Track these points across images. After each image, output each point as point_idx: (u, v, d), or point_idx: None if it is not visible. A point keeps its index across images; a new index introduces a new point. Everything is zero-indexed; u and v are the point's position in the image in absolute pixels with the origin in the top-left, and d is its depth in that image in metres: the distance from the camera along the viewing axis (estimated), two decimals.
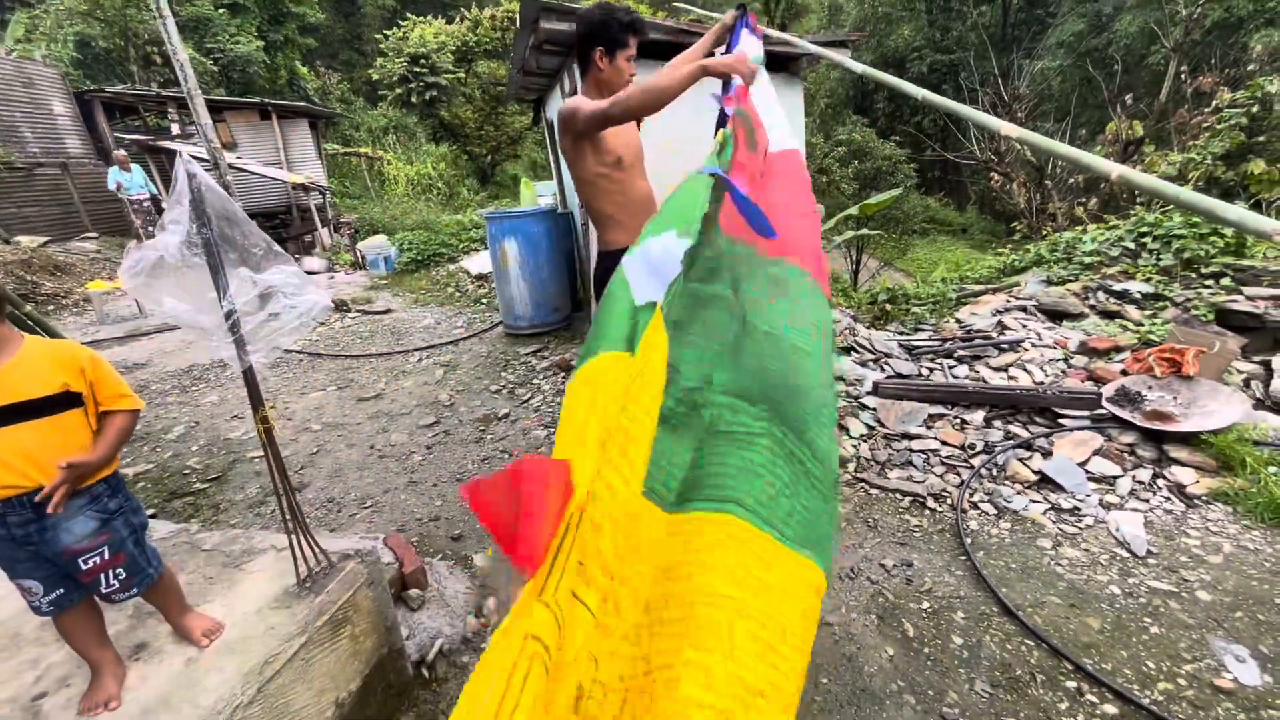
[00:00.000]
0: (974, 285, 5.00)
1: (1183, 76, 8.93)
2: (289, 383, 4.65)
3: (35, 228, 9.82)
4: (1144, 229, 4.43)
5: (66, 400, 1.20)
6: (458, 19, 19.43)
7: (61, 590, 1.26)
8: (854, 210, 8.33)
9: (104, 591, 1.28)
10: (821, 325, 1.07)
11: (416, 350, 5.16)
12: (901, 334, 4.20)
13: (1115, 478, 2.50)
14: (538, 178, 15.95)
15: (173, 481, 3.24)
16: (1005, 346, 3.57)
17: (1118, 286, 4.06)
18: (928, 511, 2.44)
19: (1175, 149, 7.30)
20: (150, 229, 9.37)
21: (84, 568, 1.23)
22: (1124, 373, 3.07)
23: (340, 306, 6.66)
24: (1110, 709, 1.58)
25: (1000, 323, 3.92)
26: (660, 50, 4.15)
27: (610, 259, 2.40)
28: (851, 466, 2.74)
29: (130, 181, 9.27)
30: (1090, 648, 1.77)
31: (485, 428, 3.60)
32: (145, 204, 9.44)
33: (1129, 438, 2.68)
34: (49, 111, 11.03)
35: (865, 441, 2.88)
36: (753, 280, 1.08)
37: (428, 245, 8.98)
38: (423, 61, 17.98)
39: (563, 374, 4.24)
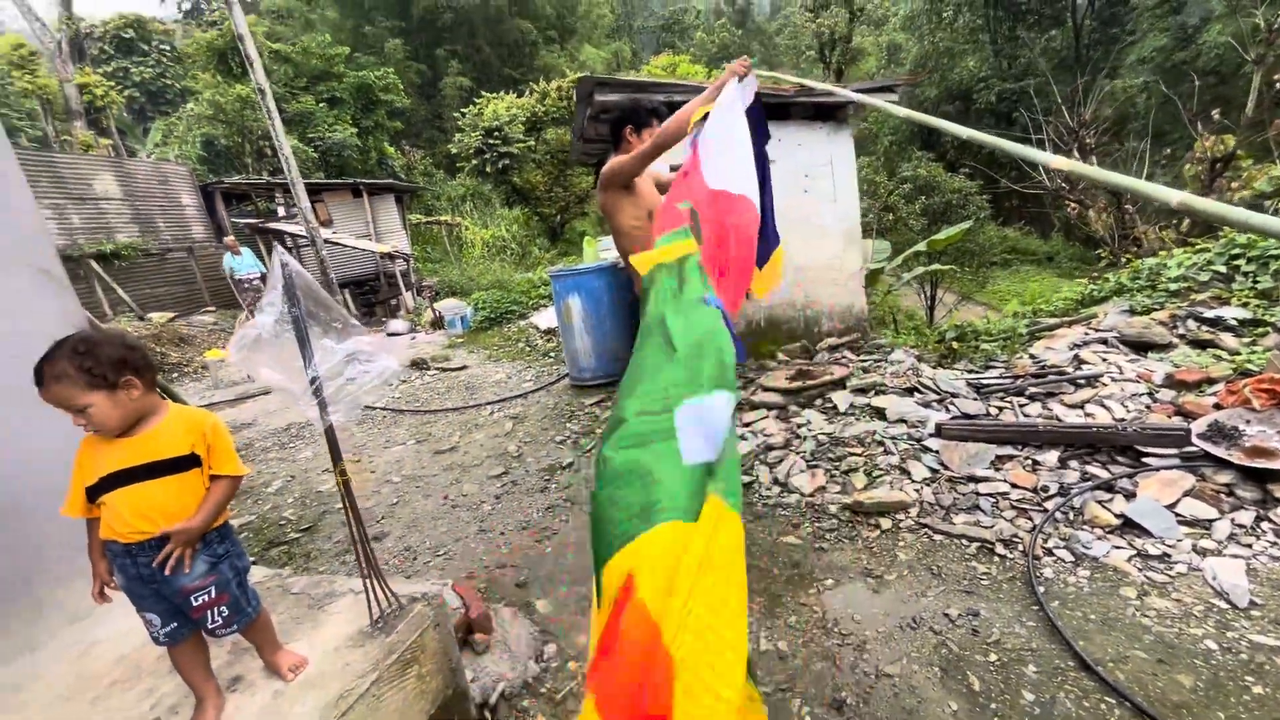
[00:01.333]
0: (1049, 318, 4.78)
1: (1278, 84, 8.33)
2: (374, 437, 5.00)
3: (164, 305, 11.14)
4: (1235, 250, 4.13)
5: (191, 461, 1.41)
6: (527, 92, 20.90)
7: (175, 624, 1.44)
8: (922, 246, 8.18)
9: (210, 627, 1.46)
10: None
11: (488, 404, 5.44)
12: (971, 372, 4.06)
13: (1211, 521, 2.31)
14: (604, 233, 16.58)
15: (271, 531, 3.55)
16: (1082, 382, 3.39)
17: (1210, 313, 3.79)
18: (996, 558, 2.34)
19: (1277, 161, 6.78)
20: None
21: (194, 604, 1.41)
22: (1217, 406, 2.85)
23: (420, 365, 7.13)
24: None
25: (1077, 357, 3.73)
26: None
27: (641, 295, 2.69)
28: (914, 512, 2.67)
29: (240, 264, 10.29)
30: (1181, 708, 1.64)
31: (550, 477, 3.75)
32: (255, 282, 10.45)
33: (1225, 477, 2.48)
34: (179, 203, 12.63)
35: (929, 485, 2.80)
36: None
37: (500, 304, 9.49)
38: (496, 133, 19.35)
39: None
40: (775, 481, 3.12)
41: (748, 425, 3.75)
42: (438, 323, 9.87)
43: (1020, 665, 1.84)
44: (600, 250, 9.90)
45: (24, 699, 1.66)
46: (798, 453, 3.29)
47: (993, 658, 1.88)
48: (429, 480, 3.98)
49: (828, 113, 4.85)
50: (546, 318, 8.33)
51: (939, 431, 3.10)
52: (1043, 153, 1.78)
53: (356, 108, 19.97)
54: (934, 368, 4.23)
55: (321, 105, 18.61)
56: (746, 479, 3.20)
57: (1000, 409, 3.37)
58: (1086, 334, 4.09)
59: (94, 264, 10.47)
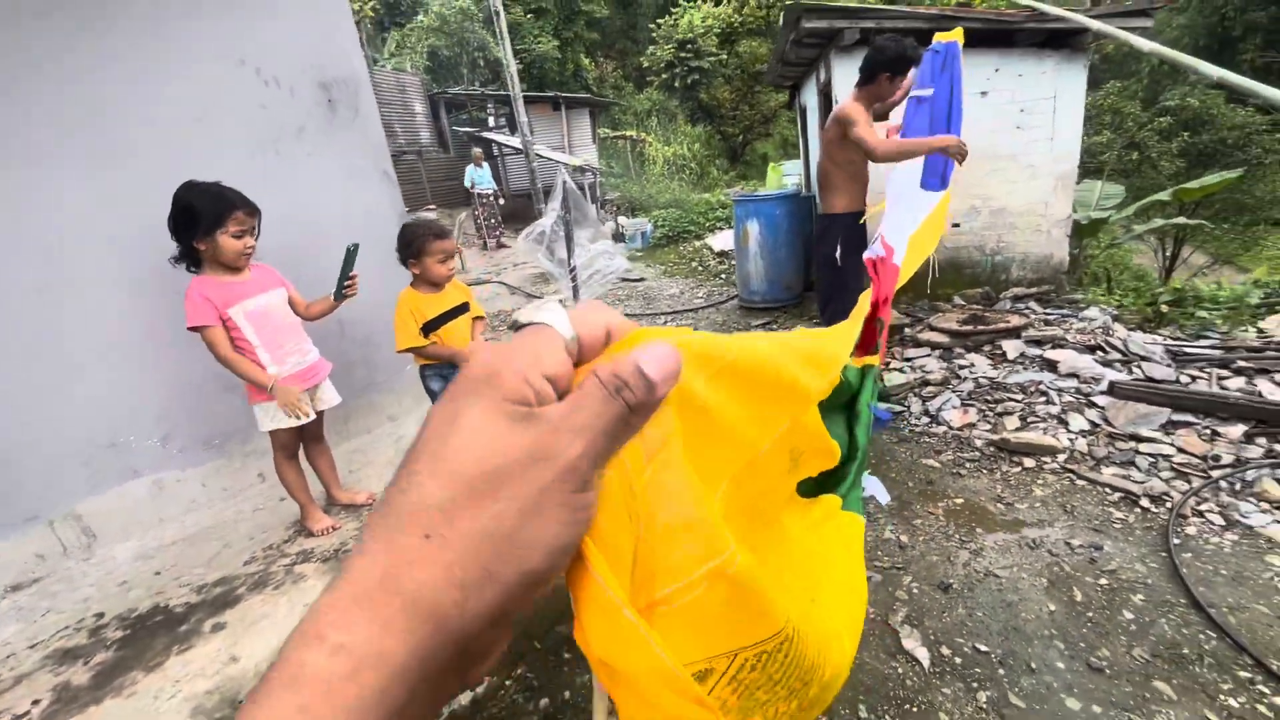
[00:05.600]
0: None
1: None
2: None
3: None
4: None
5: (466, 307, 2.13)
6: (725, 0, 20.19)
7: None
8: (1165, 195, 7.14)
9: None
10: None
11: (662, 315, 6.04)
12: (1177, 340, 3.79)
13: None
14: (787, 155, 16.12)
15: None
16: None
17: None
18: (1138, 510, 2.43)
19: None
20: (492, 220, 11.27)
21: None
22: None
23: None
24: None
25: None
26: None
27: (826, 221, 3.11)
28: (1062, 458, 2.78)
29: (480, 178, 11.31)
30: None
31: None
32: (489, 198, 11.38)
33: None
34: (412, 110, 14.44)
35: (1085, 437, 2.86)
36: None
37: (678, 222, 9.96)
38: (689, 46, 19.16)
39: None
40: (925, 413, 3.34)
41: (909, 360, 3.92)
42: (618, 236, 10.63)
43: (1129, 593, 2.03)
44: (784, 175, 9.85)
45: (368, 459, 2.57)
46: (954, 390, 3.44)
47: (1103, 581, 2.09)
48: None
49: (1060, 40, 4.45)
50: (720, 240, 8.66)
51: (1112, 389, 3.07)
52: None
53: (559, 18, 20.76)
54: (1131, 329, 4.00)
55: (529, 16, 19.62)
56: (898, 408, 3.44)
57: (1194, 378, 3.20)
58: None
59: None
